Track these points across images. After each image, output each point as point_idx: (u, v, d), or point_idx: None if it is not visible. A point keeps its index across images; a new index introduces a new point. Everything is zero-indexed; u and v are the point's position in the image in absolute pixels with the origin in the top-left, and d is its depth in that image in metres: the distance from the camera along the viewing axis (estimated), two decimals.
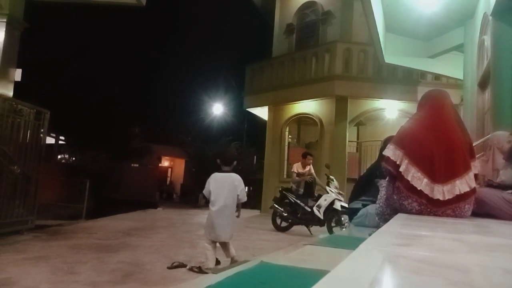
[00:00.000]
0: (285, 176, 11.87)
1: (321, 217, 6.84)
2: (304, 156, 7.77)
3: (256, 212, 12.18)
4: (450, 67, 7.89)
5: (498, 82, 4.35)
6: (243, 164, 17.73)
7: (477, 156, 2.33)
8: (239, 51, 36.13)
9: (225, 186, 3.98)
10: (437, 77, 10.26)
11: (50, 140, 13.22)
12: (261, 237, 6.59)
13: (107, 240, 5.43)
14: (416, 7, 6.00)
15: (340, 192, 7.21)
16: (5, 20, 5.75)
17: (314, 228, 7.22)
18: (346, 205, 6.07)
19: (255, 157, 20.23)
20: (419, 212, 1.90)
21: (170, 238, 5.98)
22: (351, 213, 3.15)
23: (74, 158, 15.78)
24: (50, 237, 5.54)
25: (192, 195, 18.06)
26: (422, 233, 1.33)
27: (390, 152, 2.00)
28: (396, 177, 1.97)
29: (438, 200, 1.85)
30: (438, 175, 1.88)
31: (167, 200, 20.90)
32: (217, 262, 4.04)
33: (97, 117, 14.92)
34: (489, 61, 4.82)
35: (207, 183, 4.07)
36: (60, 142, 16.16)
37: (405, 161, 1.93)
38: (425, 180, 1.87)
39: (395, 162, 1.96)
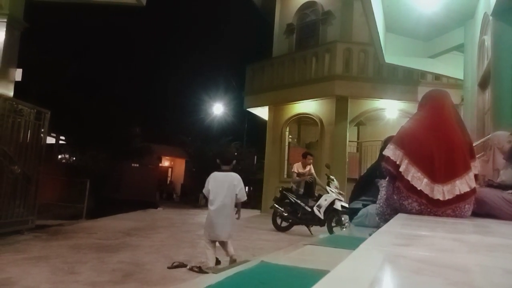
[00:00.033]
0: (285, 176, 11.87)
1: (322, 217, 6.84)
2: (305, 156, 7.77)
3: (256, 212, 12.18)
4: (450, 67, 7.89)
5: (499, 82, 4.34)
6: (243, 164, 17.75)
7: (477, 156, 2.33)
8: (239, 51, 36.21)
9: (224, 185, 3.98)
10: (437, 77, 10.25)
11: (50, 140, 13.23)
12: (261, 237, 6.59)
13: (107, 240, 5.43)
14: (416, 7, 5.99)
15: (341, 192, 7.21)
16: (5, 20, 5.75)
17: (315, 228, 7.22)
18: (347, 205, 6.07)
19: (255, 157, 20.25)
20: (419, 212, 1.90)
21: (170, 238, 5.98)
22: (352, 213, 3.14)
23: (74, 158, 15.78)
24: (51, 237, 5.54)
25: (193, 195, 18.07)
26: (422, 233, 1.33)
27: (390, 152, 2.00)
28: (396, 177, 1.97)
29: (438, 200, 1.85)
30: (438, 175, 1.88)
31: (167, 200, 20.89)
32: (217, 261, 4.04)
33: (98, 117, 14.92)
34: (489, 61, 4.82)
35: (206, 182, 4.07)
36: (61, 142, 16.17)
37: (405, 161, 1.93)
38: (425, 180, 1.87)
39: (395, 162, 1.96)
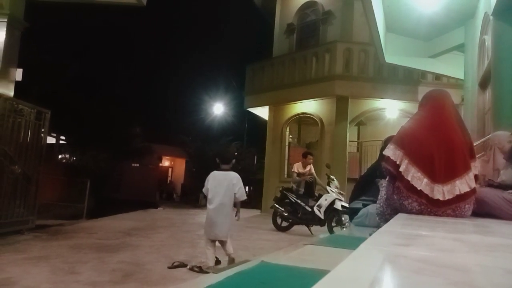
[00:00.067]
0: (285, 176, 11.87)
1: (322, 217, 6.84)
2: (305, 155, 7.77)
3: (256, 212, 12.18)
4: (450, 67, 7.88)
5: (499, 82, 4.34)
6: (243, 164, 17.75)
7: (477, 156, 2.32)
8: (240, 51, 36.19)
9: (223, 184, 3.98)
10: (437, 77, 10.25)
11: (50, 140, 13.23)
12: (261, 237, 6.59)
13: (107, 240, 5.44)
14: (417, 7, 5.99)
15: (341, 192, 7.21)
16: (5, 20, 5.75)
17: (315, 228, 7.22)
18: (347, 205, 6.07)
19: (255, 157, 20.23)
20: (419, 212, 1.90)
21: (171, 238, 5.98)
22: (352, 213, 3.14)
23: (74, 158, 15.77)
24: (51, 237, 5.54)
25: (193, 195, 18.06)
26: (422, 233, 1.33)
27: (390, 152, 2.00)
28: (396, 177, 1.97)
29: (438, 200, 1.85)
30: (438, 175, 1.88)
31: (167, 200, 20.89)
32: (217, 261, 4.04)
33: (98, 117, 14.91)
34: (489, 61, 4.81)
35: (206, 181, 4.08)
36: (61, 142, 16.17)
37: (405, 161, 1.92)
38: (425, 180, 1.87)
39: (395, 162, 1.96)
